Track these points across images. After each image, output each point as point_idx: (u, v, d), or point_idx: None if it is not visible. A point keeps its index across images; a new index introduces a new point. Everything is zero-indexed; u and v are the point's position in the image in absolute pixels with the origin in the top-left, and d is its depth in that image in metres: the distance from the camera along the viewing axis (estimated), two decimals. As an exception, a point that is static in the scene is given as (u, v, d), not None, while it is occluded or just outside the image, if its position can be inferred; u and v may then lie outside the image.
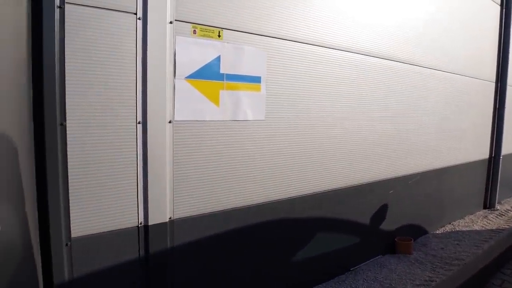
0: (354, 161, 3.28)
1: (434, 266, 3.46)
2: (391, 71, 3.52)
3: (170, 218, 2.16)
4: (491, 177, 5.63)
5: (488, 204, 5.63)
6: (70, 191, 1.81)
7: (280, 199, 2.71)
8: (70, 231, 1.82)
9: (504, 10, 5.36)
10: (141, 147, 2.03)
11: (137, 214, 2.04)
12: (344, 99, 3.10)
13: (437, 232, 4.50)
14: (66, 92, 1.77)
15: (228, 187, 2.42)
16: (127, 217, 2.01)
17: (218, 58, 2.30)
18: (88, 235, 1.88)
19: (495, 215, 5.30)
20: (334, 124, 3.05)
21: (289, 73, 2.67)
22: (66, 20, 1.74)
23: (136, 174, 2.02)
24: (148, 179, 2.05)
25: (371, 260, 3.58)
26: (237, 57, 2.38)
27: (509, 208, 5.68)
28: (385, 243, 3.76)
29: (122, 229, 1.99)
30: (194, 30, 2.19)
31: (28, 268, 1.54)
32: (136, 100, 1.99)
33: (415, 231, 4.17)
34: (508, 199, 6.16)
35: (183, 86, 2.16)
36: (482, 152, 5.43)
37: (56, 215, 1.77)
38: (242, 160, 2.48)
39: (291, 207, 2.80)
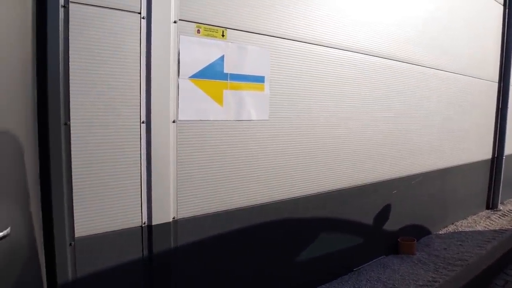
0: (358, 161, 3.27)
1: (437, 267, 3.45)
2: (391, 70, 3.50)
3: (173, 218, 2.15)
4: (494, 177, 5.61)
5: (491, 204, 5.61)
6: (74, 190, 1.80)
7: (283, 199, 2.71)
8: (73, 231, 1.82)
9: (507, 10, 5.34)
10: (145, 147, 2.02)
11: (140, 214, 2.03)
12: (348, 99, 3.09)
13: (440, 232, 4.49)
14: (70, 92, 1.76)
15: (232, 187, 2.41)
16: (131, 217, 2.00)
17: (222, 58, 2.29)
18: (92, 235, 1.88)
19: (498, 215, 5.28)
20: (338, 124, 3.04)
21: (292, 72, 2.66)
22: (70, 19, 1.73)
23: (139, 174, 2.02)
24: (152, 178, 2.04)
25: (374, 260, 3.57)
26: (240, 56, 2.37)
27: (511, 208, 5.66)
28: (388, 243, 3.75)
29: (126, 229, 1.99)
30: (198, 30, 2.18)
31: (33, 268, 1.53)
32: (140, 100, 1.99)
33: (418, 232, 4.16)
34: (511, 200, 6.14)
35: (187, 85, 2.16)
36: (485, 152, 5.42)
37: (60, 215, 1.77)
38: (246, 160, 2.47)
39: (295, 207, 2.79)
